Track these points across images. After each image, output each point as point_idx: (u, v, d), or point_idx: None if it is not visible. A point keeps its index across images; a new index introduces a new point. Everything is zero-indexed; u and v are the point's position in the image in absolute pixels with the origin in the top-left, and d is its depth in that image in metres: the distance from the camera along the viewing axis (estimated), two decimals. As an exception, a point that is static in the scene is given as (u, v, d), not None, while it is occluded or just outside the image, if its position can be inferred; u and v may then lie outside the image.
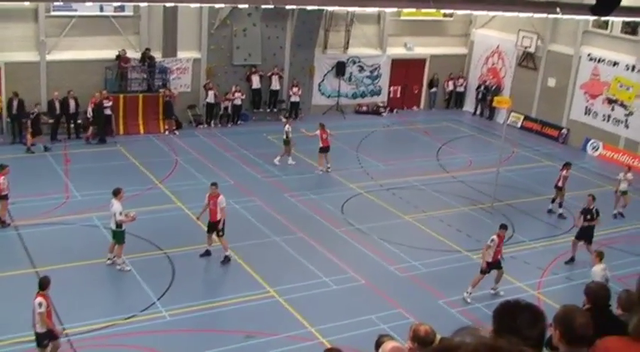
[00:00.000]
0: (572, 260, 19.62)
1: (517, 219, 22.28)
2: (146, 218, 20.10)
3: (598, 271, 16.50)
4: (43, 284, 12.93)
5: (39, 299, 12.71)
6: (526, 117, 33.35)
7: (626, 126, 29.49)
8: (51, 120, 26.45)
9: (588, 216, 19.64)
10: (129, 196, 21.30)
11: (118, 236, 17.19)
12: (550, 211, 23.26)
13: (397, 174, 25.61)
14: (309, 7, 17.48)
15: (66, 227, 19.48)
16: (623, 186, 23.45)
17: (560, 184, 22.98)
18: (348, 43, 33.19)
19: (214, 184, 18.43)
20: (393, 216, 22.00)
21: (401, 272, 18.38)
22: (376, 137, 31.04)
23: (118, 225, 17.03)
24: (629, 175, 23.56)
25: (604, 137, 30.21)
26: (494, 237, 17.17)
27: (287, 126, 25.60)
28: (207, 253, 18.27)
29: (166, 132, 28.57)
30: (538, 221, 22.42)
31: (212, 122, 30.13)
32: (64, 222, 19.73)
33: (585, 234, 19.58)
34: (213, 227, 17.93)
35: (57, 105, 26.35)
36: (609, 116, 30.13)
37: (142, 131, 28.32)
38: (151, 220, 20.14)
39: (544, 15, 22.70)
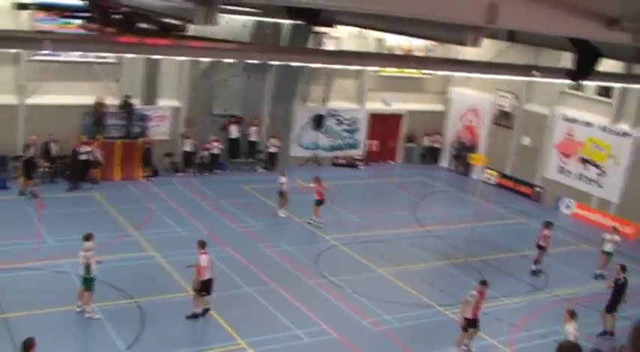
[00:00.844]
0: (605, 333, 19.22)
1: (490, 275, 22.26)
2: (118, 265, 19.95)
3: (571, 329, 16.52)
4: (28, 346, 12.02)
5: None
6: (501, 175, 33.69)
7: (599, 186, 29.89)
8: (46, 164, 26.33)
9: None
10: (102, 242, 21.13)
11: (88, 283, 16.98)
12: (534, 272, 23.18)
13: (372, 227, 25.67)
14: (293, 64, 17.72)
15: (36, 273, 19.21)
16: (608, 247, 23.52)
17: (541, 243, 23.05)
18: (327, 96, 33.55)
19: (200, 243, 17.80)
20: (367, 268, 21.98)
21: (373, 326, 18.28)
22: (352, 189, 31.17)
23: (88, 271, 16.82)
24: (616, 237, 23.59)
25: (577, 196, 30.58)
26: (474, 292, 17.10)
27: (282, 178, 25.93)
28: (195, 316, 17.55)
29: (143, 179, 28.48)
30: (511, 277, 22.49)
31: (191, 170, 30.10)
32: (34, 267, 19.47)
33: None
34: (201, 286, 17.45)
35: (32, 149, 26.19)
36: (583, 175, 30.55)
37: (118, 177, 28.22)
38: (123, 268, 19.96)
39: (522, 78, 23.27)
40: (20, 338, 15.44)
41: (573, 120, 30.98)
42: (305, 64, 21.25)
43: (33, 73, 26.83)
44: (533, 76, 11.64)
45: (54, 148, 26.64)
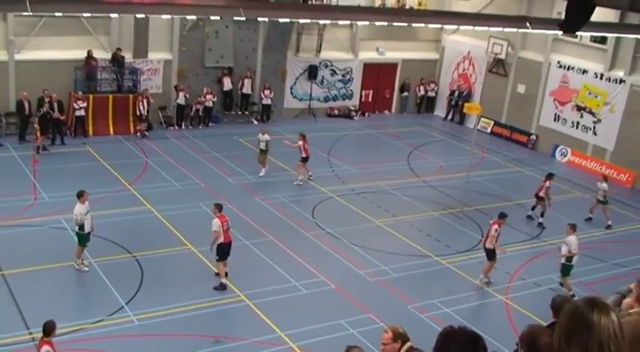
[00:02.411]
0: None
1: (485, 225, 22.38)
2: (115, 220, 19.99)
3: (574, 240, 18.06)
4: (48, 329, 11.73)
5: (46, 347, 11.61)
6: (496, 123, 33.65)
7: (594, 134, 29.86)
8: (62, 117, 26.30)
9: None
10: (98, 198, 21.21)
11: (80, 238, 17.05)
12: (529, 217, 23.43)
13: (368, 178, 25.67)
14: (281, 20, 17.48)
15: (33, 229, 19.24)
16: (599, 195, 23.70)
17: (541, 194, 23.11)
18: (320, 46, 33.22)
19: (217, 206, 17.41)
20: (363, 220, 22.05)
21: (371, 276, 18.42)
22: (348, 141, 31.09)
23: (80, 227, 16.86)
24: (604, 185, 23.70)
25: (572, 143, 30.57)
26: (496, 226, 18.20)
27: (265, 135, 24.96)
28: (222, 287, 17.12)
29: (136, 134, 28.34)
30: (506, 226, 22.50)
31: (183, 124, 29.97)
32: (31, 224, 19.48)
33: None
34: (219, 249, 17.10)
35: (26, 105, 26.00)
36: (578, 123, 30.49)
37: (111, 132, 28.08)
38: (121, 222, 20.00)
39: (514, 30, 23.01)
40: (20, 296, 15.61)
41: (568, 68, 30.78)
42: (294, 20, 20.95)
43: (21, 28, 26.51)
44: (526, 27, 11.49)
45: (48, 104, 26.38)
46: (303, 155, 24.49)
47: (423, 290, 17.86)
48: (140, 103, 27.99)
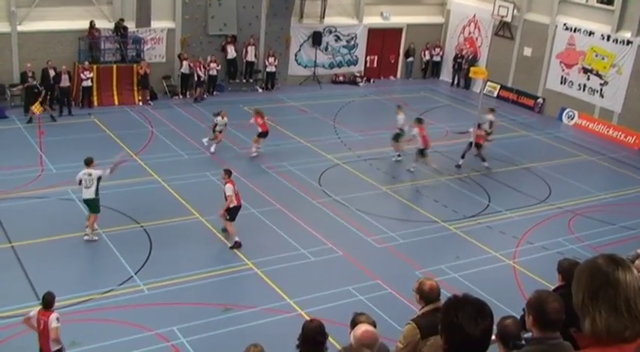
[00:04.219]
0: None
1: (493, 189, 22.44)
2: (122, 191, 20.02)
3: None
4: (47, 301, 11.58)
5: (55, 314, 11.45)
6: (502, 87, 33.43)
7: (602, 96, 29.65)
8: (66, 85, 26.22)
9: None
10: (105, 168, 21.19)
11: (95, 204, 17.02)
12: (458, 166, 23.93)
13: (374, 144, 25.59)
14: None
15: (41, 200, 19.29)
16: (485, 127, 24.51)
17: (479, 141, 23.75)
18: (324, 12, 32.93)
19: (227, 172, 17.74)
20: (370, 187, 22.04)
21: (378, 243, 18.46)
22: (353, 107, 30.97)
23: (97, 193, 16.84)
24: (490, 116, 24.93)
25: (579, 106, 30.38)
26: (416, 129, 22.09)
27: (225, 118, 23.83)
28: (237, 245, 17.59)
29: (141, 103, 28.27)
30: (514, 191, 22.56)
31: (187, 93, 29.85)
32: (39, 195, 19.54)
33: None
34: (227, 211, 17.50)
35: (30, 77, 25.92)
36: (585, 85, 30.27)
37: (116, 102, 28.01)
38: (127, 193, 20.04)
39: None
40: (30, 267, 15.73)
41: (574, 29, 30.46)
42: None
43: (22, -1, 26.27)
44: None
45: (52, 74, 26.29)
46: (260, 130, 23.40)
47: (430, 256, 17.90)
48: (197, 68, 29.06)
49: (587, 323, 3.01)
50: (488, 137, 24.42)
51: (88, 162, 17.13)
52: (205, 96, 29.81)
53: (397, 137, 24.16)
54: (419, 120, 23.41)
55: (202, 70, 29.58)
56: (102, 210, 17.53)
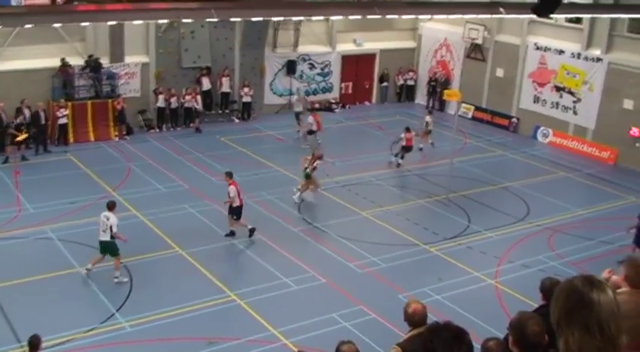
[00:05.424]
0: None
1: (472, 210, 22.53)
2: (101, 227, 19.83)
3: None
4: (34, 344, 11.50)
5: None
6: (477, 108, 33.73)
7: (575, 113, 30.00)
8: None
9: None
10: (83, 206, 21.14)
11: (112, 247, 16.94)
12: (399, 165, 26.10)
13: (352, 170, 25.67)
14: (254, 19, 17.42)
15: (19, 241, 19.08)
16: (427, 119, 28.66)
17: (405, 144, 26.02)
18: (297, 41, 33.15)
19: (228, 174, 19.85)
20: (350, 212, 22.06)
21: (361, 268, 18.44)
22: (330, 134, 30.98)
23: (112, 236, 16.79)
24: (428, 118, 28.86)
25: (553, 124, 30.70)
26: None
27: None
28: (232, 233, 19.66)
29: (117, 139, 28.19)
30: (493, 210, 22.69)
31: (164, 126, 29.84)
32: (16, 236, 19.32)
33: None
34: (231, 210, 19.43)
35: (3, 116, 25.76)
36: (558, 103, 30.62)
37: (92, 138, 27.90)
38: (107, 229, 19.84)
39: (488, 16, 23.06)
40: (10, 309, 15.52)
41: (545, 49, 30.89)
42: (267, 18, 20.92)
43: (-5, 38, 26.18)
44: (500, 12, 11.54)
45: (27, 113, 26.17)
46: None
47: (413, 279, 17.90)
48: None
49: (561, 343, 3.02)
50: (428, 135, 28.48)
51: (110, 206, 17.09)
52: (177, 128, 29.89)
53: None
54: (407, 129, 26.28)
55: (193, 100, 29.79)
56: (80, 247, 17.46)
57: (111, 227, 16.78)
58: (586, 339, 2.95)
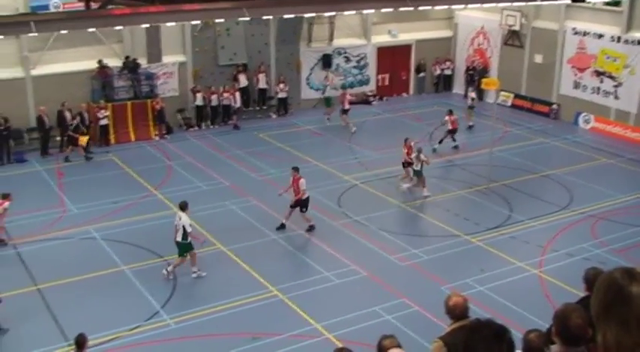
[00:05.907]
0: None
1: (514, 199, 22.30)
2: (144, 226, 20.15)
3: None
4: (81, 343, 11.76)
5: None
6: (516, 96, 33.33)
7: (616, 98, 29.47)
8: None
9: None
10: (125, 205, 21.46)
11: (185, 248, 17.16)
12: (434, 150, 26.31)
13: (391, 162, 25.50)
14: (286, 16, 17.45)
15: (64, 241, 19.43)
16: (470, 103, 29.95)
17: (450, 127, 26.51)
18: (332, 34, 33.10)
19: (295, 169, 20.14)
20: (390, 205, 22.00)
21: (402, 261, 18.38)
22: (368, 126, 30.98)
23: (184, 237, 16.98)
24: (473, 94, 30.31)
25: (595, 109, 30.20)
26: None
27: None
28: (283, 226, 19.95)
29: (157, 138, 28.50)
30: (535, 199, 22.41)
31: (203, 124, 30.08)
32: (61, 236, 19.68)
33: None
34: (298, 203, 19.72)
35: (45, 119, 26.22)
36: (599, 88, 30.11)
37: (132, 138, 28.24)
38: (149, 228, 20.13)
39: (523, 3, 22.72)
40: (56, 308, 15.82)
41: (584, 33, 30.38)
42: (300, 14, 20.95)
43: (35, 43, 26.59)
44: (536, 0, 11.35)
45: (68, 116, 26.63)
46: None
47: (455, 271, 17.78)
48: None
49: (600, 336, 2.95)
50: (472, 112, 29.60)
51: (182, 207, 17.27)
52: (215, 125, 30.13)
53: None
54: (450, 112, 26.90)
55: (231, 97, 30.03)
56: (123, 246, 17.69)
57: (183, 227, 16.92)
58: (624, 334, 2.88)
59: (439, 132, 27.34)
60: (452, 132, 26.63)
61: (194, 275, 17.34)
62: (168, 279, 17.19)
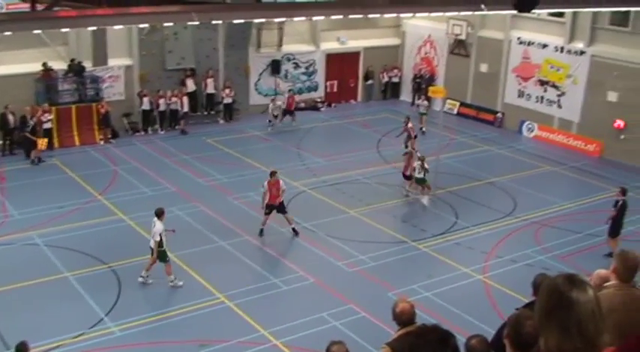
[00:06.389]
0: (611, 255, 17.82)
1: (459, 205, 22.58)
2: (88, 232, 19.82)
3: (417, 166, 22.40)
4: (22, 351, 11.51)
5: None
6: (462, 104, 33.81)
7: (559, 107, 30.12)
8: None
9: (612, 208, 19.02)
10: (69, 210, 21.06)
11: (162, 255, 16.88)
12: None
13: (340, 168, 25.67)
14: (235, 21, 17.36)
15: (5, 247, 18.95)
16: (422, 109, 31.07)
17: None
18: (281, 40, 33.09)
19: (274, 173, 20.14)
20: (338, 211, 22.05)
21: (349, 267, 18.43)
22: (316, 133, 31.06)
23: (160, 244, 16.70)
24: (425, 102, 31.03)
25: (538, 118, 30.81)
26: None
27: None
28: (262, 232, 20.05)
29: (102, 142, 28.06)
30: (480, 206, 22.73)
31: (149, 129, 29.73)
32: (3, 242, 19.19)
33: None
34: (275, 208, 19.87)
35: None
36: (542, 97, 30.73)
37: (77, 142, 27.76)
38: (93, 234, 19.79)
39: (469, 12, 23.08)
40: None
41: (528, 43, 31.00)
42: (249, 20, 20.90)
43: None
44: (481, 9, 11.55)
45: (11, 119, 26.07)
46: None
47: (402, 277, 17.91)
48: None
49: (542, 342, 3.00)
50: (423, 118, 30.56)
51: (157, 213, 16.91)
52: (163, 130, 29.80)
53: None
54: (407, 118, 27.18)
55: (179, 102, 29.76)
56: (67, 252, 17.37)
57: (160, 234, 16.67)
58: (564, 340, 2.93)
59: (399, 140, 27.57)
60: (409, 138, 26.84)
61: (170, 283, 17.04)
62: (176, 286, 16.99)
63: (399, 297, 8.21)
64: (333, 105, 35.19)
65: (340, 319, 15.69)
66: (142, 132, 29.55)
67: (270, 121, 30.44)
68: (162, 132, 29.64)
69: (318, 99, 34.90)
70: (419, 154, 23.38)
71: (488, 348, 6.13)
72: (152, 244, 16.93)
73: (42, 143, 25.65)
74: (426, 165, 22.57)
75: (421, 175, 22.63)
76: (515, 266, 18.45)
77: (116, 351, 14.54)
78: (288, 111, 30.87)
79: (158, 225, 16.77)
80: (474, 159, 27.46)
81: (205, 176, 24.68)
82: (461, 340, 5.82)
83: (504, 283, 17.41)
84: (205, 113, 31.51)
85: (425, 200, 22.68)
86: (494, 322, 13.85)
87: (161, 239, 16.71)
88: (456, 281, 17.80)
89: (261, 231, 20.04)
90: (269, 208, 19.90)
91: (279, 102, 30.67)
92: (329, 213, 21.84)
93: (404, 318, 7.33)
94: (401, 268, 18.53)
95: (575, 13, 28.82)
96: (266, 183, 19.93)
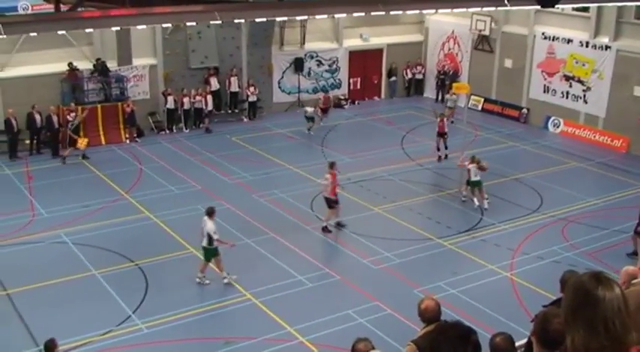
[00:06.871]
0: (635, 253, 18.08)
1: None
2: (115, 230, 19.99)
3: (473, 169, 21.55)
4: (50, 348, 11.72)
5: None
6: (486, 100, 33.63)
7: (585, 102, 29.85)
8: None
9: None
10: (96, 209, 21.26)
11: (209, 253, 16.97)
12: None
13: (364, 166, 25.65)
14: (258, 19, 17.37)
15: (34, 246, 19.19)
16: (450, 104, 31.27)
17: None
18: (304, 38, 33.12)
19: (334, 164, 20.36)
20: (362, 208, 22.04)
21: (375, 264, 18.43)
22: (340, 130, 31.06)
23: (210, 242, 16.80)
24: (454, 97, 31.11)
25: (564, 114, 30.56)
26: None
27: None
28: (341, 224, 20.42)
29: (128, 141, 28.29)
30: (505, 202, 22.60)
31: (174, 127, 29.91)
32: (31, 241, 19.43)
33: None
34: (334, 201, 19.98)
35: (14, 122, 25.89)
36: (568, 93, 30.48)
37: (103, 142, 28.00)
38: (120, 232, 19.97)
39: (493, 8, 22.94)
40: (26, 313, 15.62)
41: (553, 38, 30.75)
42: (271, 18, 20.91)
43: (2, 45, 26.24)
44: (504, 5, 11.46)
45: (38, 119, 26.35)
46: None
47: (427, 274, 17.88)
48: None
49: (568, 340, 2.99)
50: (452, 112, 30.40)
51: (208, 212, 17.01)
52: (189, 128, 29.96)
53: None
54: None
55: (203, 100, 29.92)
56: (94, 250, 17.52)
57: (208, 233, 16.75)
58: (591, 338, 2.92)
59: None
60: (440, 135, 26.28)
61: (225, 280, 17.13)
62: (203, 284, 17.09)
63: (425, 294, 8.19)
64: (356, 102, 35.15)
65: (366, 316, 15.68)
66: (167, 131, 29.74)
67: (309, 129, 29.79)
68: (186, 131, 29.82)
69: (342, 97, 34.88)
70: (468, 155, 22.84)
71: (513, 346, 6.11)
72: (204, 243, 16.92)
73: (82, 142, 25.94)
74: (483, 164, 21.94)
75: (477, 178, 21.88)
76: (542, 263, 18.33)
77: (144, 348, 14.66)
78: (323, 110, 30.88)
79: (209, 225, 16.79)
80: (500, 155, 27.29)
81: (230, 174, 24.78)
82: (486, 337, 5.82)
83: (531, 280, 17.31)
84: (229, 111, 31.62)
85: (485, 204, 21.97)
86: (520, 319, 13.88)
87: (210, 238, 16.73)
88: (482, 279, 17.73)
89: (339, 223, 20.36)
90: (329, 201, 19.99)
91: (309, 109, 30.09)
92: (353, 211, 21.81)
93: (428, 315, 7.33)
94: (427, 265, 18.49)
95: (599, 8, 28.55)
96: (329, 175, 19.92)
